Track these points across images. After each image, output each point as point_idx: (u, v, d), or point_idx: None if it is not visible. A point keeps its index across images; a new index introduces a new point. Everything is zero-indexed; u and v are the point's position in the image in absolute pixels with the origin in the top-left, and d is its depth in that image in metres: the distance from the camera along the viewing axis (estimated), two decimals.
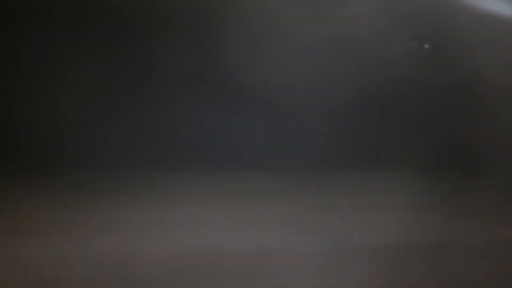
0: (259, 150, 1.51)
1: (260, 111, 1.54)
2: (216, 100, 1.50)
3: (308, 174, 1.56)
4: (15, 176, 1.26)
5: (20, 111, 1.29)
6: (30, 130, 1.30)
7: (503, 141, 1.92)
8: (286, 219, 1.55)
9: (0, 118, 1.26)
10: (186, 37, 1.47)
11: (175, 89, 1.45)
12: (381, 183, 1.67)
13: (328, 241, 1.57)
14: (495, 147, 1.90)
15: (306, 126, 1.58)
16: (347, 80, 1.67)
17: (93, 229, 1.33)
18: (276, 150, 1.54)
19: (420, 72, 1.78)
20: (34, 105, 1.31)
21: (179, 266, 1.41)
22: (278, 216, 1.54)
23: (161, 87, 1.44)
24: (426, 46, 1.80)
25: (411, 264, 1.71)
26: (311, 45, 1.63)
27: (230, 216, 1.48)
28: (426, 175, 1.76)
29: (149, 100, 1.42)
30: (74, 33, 1.34)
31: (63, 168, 1.32)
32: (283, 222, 1.55)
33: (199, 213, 1.45)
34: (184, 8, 1.46)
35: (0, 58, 1.26)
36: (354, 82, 1.68)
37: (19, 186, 1.27)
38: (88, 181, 1.33)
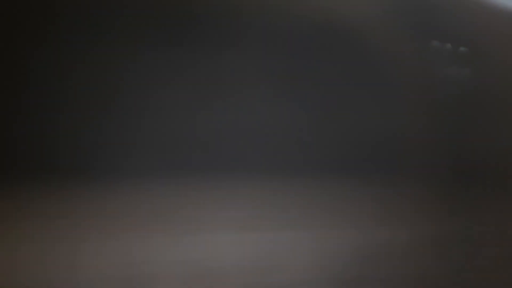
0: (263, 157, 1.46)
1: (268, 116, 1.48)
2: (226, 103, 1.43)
3: (308, 179, 1.52)
4: (14, 180, 1.24)
5: (19, 112, 1.27)
6: (28, 132, 1.27)
7: None
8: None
9: (0, 120, 1.26)
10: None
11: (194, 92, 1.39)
12: (390, 190, 1.63)
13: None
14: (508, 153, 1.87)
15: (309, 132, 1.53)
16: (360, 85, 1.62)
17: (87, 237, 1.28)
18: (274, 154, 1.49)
19: (442, 73, 1.74)
20: (33, 107, 1.28)
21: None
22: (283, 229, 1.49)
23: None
24: (448, 46, 1.75)
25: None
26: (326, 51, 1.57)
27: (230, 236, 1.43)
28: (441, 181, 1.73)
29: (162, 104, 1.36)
30: (71, 33, 1.31)
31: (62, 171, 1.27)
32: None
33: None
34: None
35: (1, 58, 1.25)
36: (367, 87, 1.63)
37: (17, 191, 1.25)
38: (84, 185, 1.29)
